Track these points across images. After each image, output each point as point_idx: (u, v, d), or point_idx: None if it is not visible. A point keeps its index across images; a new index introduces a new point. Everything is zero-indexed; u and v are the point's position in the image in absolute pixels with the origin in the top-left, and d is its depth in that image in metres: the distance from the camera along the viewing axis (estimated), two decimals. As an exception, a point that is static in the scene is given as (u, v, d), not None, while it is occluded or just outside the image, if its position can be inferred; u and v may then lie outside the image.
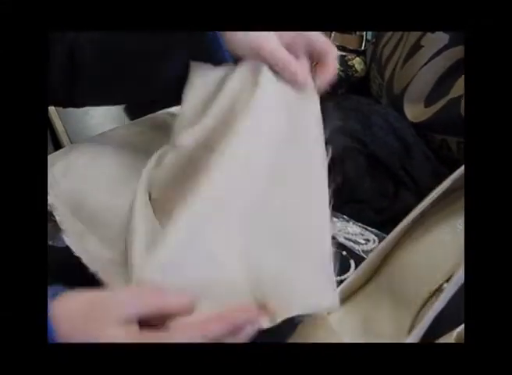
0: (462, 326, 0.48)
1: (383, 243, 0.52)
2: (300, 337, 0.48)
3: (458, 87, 0.64)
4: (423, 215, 0.52)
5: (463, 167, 0.50)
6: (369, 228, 0.62)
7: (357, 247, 0.61)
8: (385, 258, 0.53)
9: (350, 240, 0.62)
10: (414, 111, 0.68)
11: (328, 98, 0.76)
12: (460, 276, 0.47)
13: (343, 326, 0.51)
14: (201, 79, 0.52)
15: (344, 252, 0.61)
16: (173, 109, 0.64)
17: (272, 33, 0.49)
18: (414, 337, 0.47)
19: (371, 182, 0.66)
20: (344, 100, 0.72)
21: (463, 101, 0.63)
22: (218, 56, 0.51)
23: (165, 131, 0.60)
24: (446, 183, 0.50)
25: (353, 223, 0.63)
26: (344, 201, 0.64)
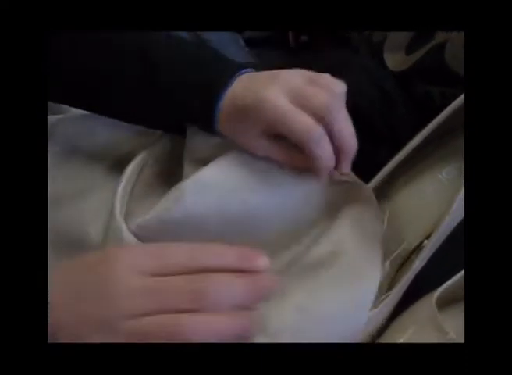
0: (444, 286, 0.45)
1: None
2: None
3: (443, 32, 0.59)
4: (402, 166, 0.48)
5: (441, 115, 0.46)
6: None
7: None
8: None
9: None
10: (395, 59, 0.63)
11: (303, 51, 0.73)
12: (441, 232, 0.43)
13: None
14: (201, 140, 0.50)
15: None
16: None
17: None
18: (393, 297, 0.44)
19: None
20: (319, 52, 0.68)
21: (447, 47, 0.59)
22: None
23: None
24: (426, 132, 0.46)
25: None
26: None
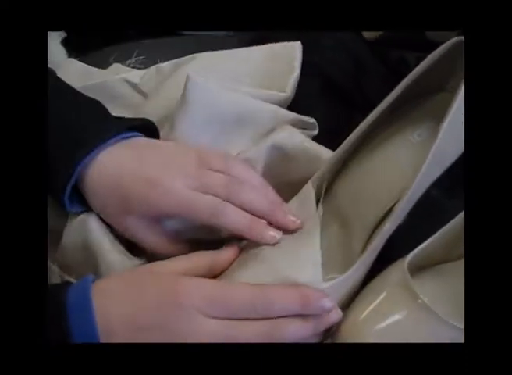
0: (416, 251, 0.44)
1: (329, 159, 0.47)
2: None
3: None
4: (373, 129, 0.47)
5: (412, 74, 0.45)
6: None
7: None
8: (333, 179, 0.48)
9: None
10: (370, 27, 0.62)
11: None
12: (412, 193, 0.42)
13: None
14: None
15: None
16: (127, 76, 0.61)
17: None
18: (364, 259, 0.43)
19: (323, 106, 0.61)
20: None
21: (422, 13, 0.58)
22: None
23: (118, 103, 0.58)
24: (396, 92, 0.45)
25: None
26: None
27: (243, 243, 0.44)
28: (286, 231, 0.43)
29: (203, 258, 0.42)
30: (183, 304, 0.36)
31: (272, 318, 0.38)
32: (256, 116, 0.51)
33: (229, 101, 0.50)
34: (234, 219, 0.42)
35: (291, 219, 0.43)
